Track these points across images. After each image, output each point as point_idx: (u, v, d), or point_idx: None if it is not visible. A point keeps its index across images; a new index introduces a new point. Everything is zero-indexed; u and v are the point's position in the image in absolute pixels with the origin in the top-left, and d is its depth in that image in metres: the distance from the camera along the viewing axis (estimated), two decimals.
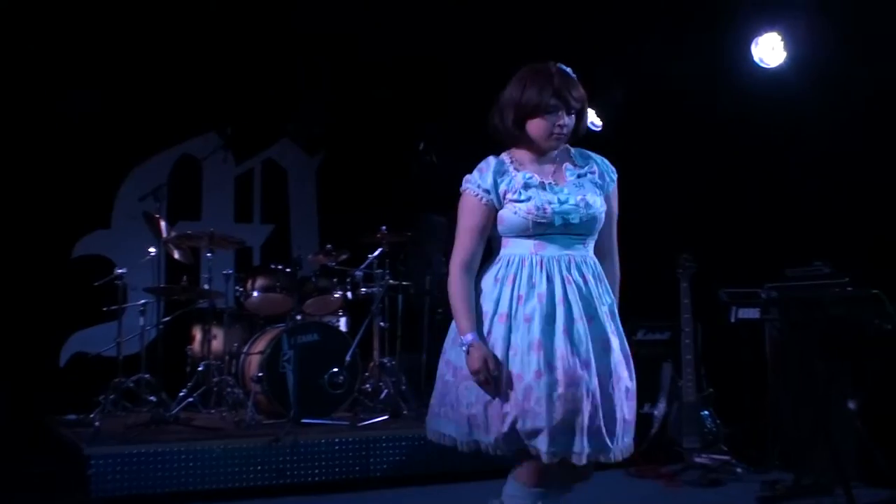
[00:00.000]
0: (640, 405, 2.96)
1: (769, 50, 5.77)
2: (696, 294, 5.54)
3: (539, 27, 6.27)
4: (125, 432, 5.34)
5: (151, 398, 5.93)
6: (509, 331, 2.82)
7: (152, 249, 6.40)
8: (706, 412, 5.55)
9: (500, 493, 2.96)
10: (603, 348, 2.83)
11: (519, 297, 2.83)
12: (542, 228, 2.85)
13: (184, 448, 4.96)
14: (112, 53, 7.13)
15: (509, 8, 6.52)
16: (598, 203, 2.91)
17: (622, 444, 2.86)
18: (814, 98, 5.55)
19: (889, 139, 5.21)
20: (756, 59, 5.81)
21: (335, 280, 6.40)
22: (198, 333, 6.50)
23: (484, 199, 2.90)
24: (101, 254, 7.37)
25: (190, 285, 6.33)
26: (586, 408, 2.75)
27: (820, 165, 5.60)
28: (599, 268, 2.94)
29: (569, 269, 2.85)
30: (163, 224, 6.32)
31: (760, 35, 5.79)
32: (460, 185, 2.98)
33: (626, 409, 2.86)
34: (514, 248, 2.90)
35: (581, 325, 2.80)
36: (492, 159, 2.96)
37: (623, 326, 2.94)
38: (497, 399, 2.80)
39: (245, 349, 6.18)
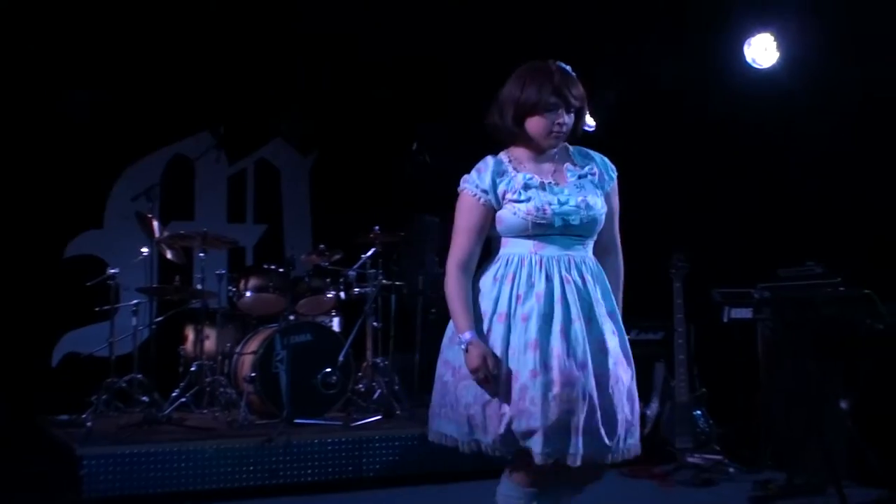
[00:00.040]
0: None
1: (762, 50, 5.79)
2: (689, 294, 5.55)
3: (534, 28, 6.27)
4: (117, 432, 5.32)
5: (144, 398, 5.92)
6: (508, 330, 2.81)
7: (145, 249, 6.39)
8: (699, 412, 5.56)
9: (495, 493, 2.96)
10: (601, 349, 2.82)
11: (518, 297, 2.82)
12: (541, 229, 2.84)
13: (176, 448, 4.95)
14: (104, 53, 7.12)
15: (504, 8, 6.52)
16: (598, 204, 2.90)
17: (625, 444, 2.85)
18: (806, 98, 5.56)
19: (881, 140, 5.22)
20: (749, 59, 5.83)
21: (328, 280, 6.39)
22: (190, 333, 6.49)
23: (482, 200, 2.89)
24: (94, 254, 7.35)
25: (182, 285, 6.32)
26: (582, 408, 2.74)
27: (812, 166, 5.62)
28: (599, 268, 2.93)
29: (568, 270, 2.84)
30: (155, 224, 6.31)
31: (753, 36, 5.81)
32: (457, 184, 2.97)
33: (627, 409, 2.85)
34: (513, 248, 2.89)
35: (578, 326, 2.79)
36: (490, 159, 2.94)
37: None
38: (495, 399, 2.79)
39: (238, 349, 6.17)
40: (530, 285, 2.82)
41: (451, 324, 2.94)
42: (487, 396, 2.80)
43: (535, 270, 2.83)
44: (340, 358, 5.86)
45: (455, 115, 7.28)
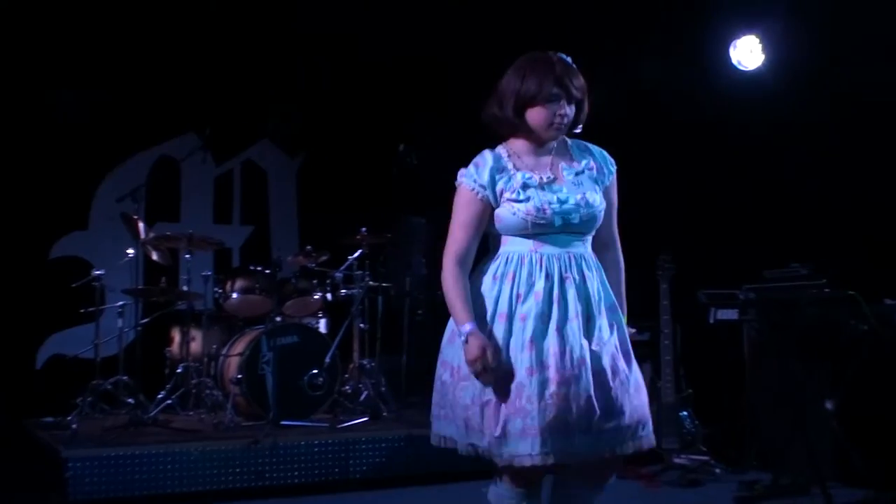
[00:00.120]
0: None
1: (747, 52, 5.82)
2: (676, 295, 5.56)
3: (521, 29, 6.28)
4: (103, 434, 5.31)
5: (129, 400, 5.89)
6: (508, 330, 2.79)
7: (130, 251, 6.36)
8: (685, 413, 5.58)
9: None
10: (599, 345, 2.80)
11: (518, 296, 2.80)
12: (541, 228, 2.82)
13: (162, 450, 4.94)
14: (90, 54, 7.09)
15: (494, 9, 6.53)
16: (597, 201, 2.88)
17: (637, 435, 2.80)
18: (792, 100, 5.58)
19: (866, 141, 5.25)
20: (734, 61, 5.86)
21: (315, 281, 6.39)
22: (176, 335, 6.47)
23: (480, 195, 2.85)
24: (79, 255, 7.32)
25: (168, 287, 6.30)
26: (581, 407, 2.71)
27: (798, 167, 5.65)
28: (598, 264, 2.91)
29: (568, 267, 2.83)
30: (141, 225, 6.29)
31: (739, 38, 5.83)
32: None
33: (635, 400, 2.81)
34: (512, 246, 2.86)
35: (576, 324, 2.78)
36: (488, 154, 2.91)
37: None
38: (493, 400, 2.76)
39: (224, 351, 6.15)
40: (530, 284, 2.80)
41: (450, 323, 2.91)
42: (486, 397, 2.77)
43: (536, 269, 2.81)
44: (327, 359, 5.85)
45: (437, 117, 7.30)
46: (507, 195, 2.84)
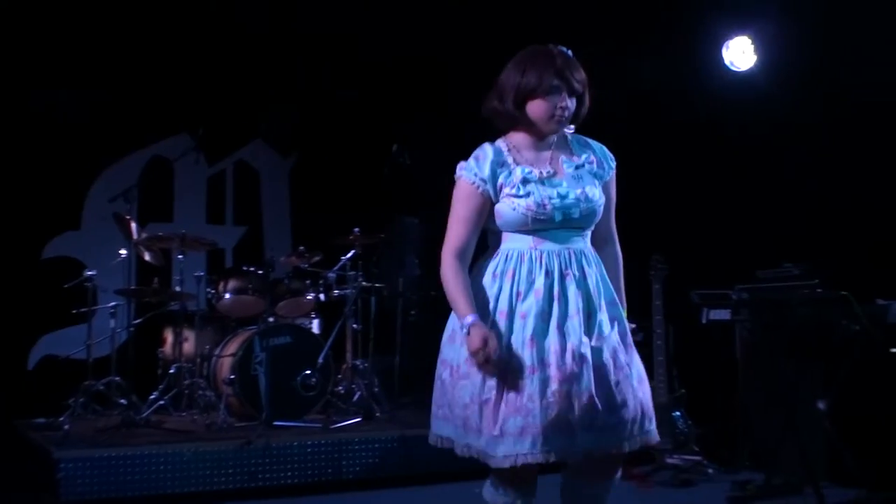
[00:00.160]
0: None
1: (740, 53, 5.83)
2: (668, 295, 5.57)
3: (509, 29, 6.27)
4: (95, 435, 5.30)
5: (122, 401, 5.89)
6: (509, 328, 2.77)
7: (123, 251, 6.35)
8: (678, 413, 5.58)
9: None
10: (600, 340, 2.78)
11: (518, 294, 2.78)
12: (541, 224, 2.80)
13: (154, 451, 4.93)
14: (82, 54, 7.07)
15: (489, 9, 6.53)
16: (596, 195, 2.86)
17: (642, 430, 2.79)
18: (784, 101, 5.60)
19: (858, 141, 5.26)
20: (727, 62, 5.87)
21: (308, 282, 6.38)
22: (169, 336, 6.46)
23: (480, 189, 2.82)
24: (71, 255, 7.30)
25: (161, 287, 6.29)
26: (583, 404, 2.69)
27: (790, 168, 5.66)
28: (598, 259, 2.89)
29: (568, 264, 2.81)
30: (133, 225, 6.27)
31: (731, 38, 5.85)
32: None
33: (640, 394, 2.79)
34: (512, 243, 2.84)
35: (577, 320, 2.76)
36: (488, 147, 2.88)
37: None
38: (493, 399, 2.73)
39: (217, 351, 6.14)
40: (530, 282, 2.78)
41: (450, 322, 2.88)
42: (486, 396, 2.74)
43: (536, 266, 2.79)
44: (320, 360, 5.84)
45: (437, 116, 7.30)
46: (506, 190, 2.81)
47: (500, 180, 2.82)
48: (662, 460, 5.48)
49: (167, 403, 5.88)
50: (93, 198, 7.43)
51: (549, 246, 2.81)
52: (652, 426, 2.82)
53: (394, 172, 6.45)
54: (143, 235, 6.35)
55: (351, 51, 7.39)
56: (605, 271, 2.90)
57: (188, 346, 6.27)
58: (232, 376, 5.77)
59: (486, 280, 2.84)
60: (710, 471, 5.40)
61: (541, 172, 2.83)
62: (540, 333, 2.74)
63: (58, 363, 6.87)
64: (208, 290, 6.39)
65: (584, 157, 2.92)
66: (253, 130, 8.01)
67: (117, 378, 6.03)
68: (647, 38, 6.14)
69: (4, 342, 6.86)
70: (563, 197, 2.80)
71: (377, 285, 6.52)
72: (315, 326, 6.48)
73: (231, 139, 7.93)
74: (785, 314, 4.95)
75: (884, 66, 5.06)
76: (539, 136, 2.88)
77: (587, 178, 2.88)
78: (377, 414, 5.93)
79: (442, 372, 2.88)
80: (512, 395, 2.71)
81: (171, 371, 6.05)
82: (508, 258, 2.83)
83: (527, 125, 2.86)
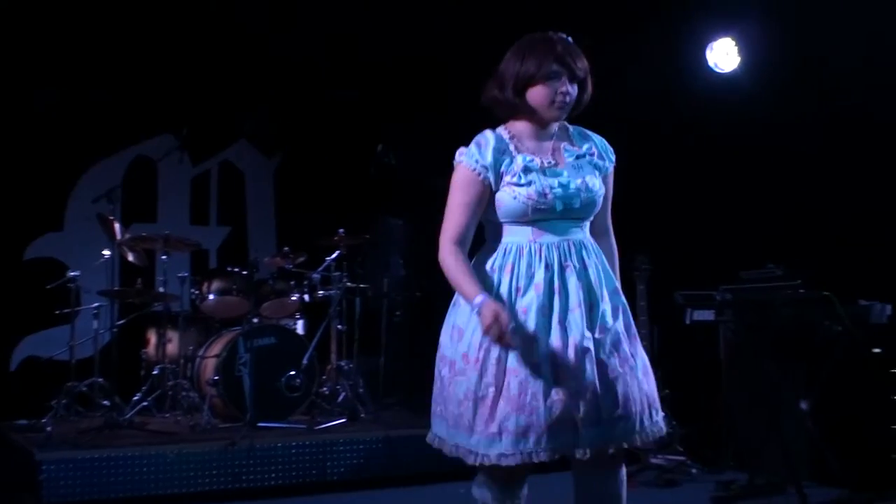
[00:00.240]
0: None
1: (723, 55, 5.85)
2: (652, 296, 5.59)
3: (498, 29, 6.27)
4: (78, 437, 5.26)
5: (105, 402, 5.85)
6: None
7: (106, 252, 6.32)
8: (662, 413, 5.59)
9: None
10: (604, 332, 2.72)
11: (517, 289, 2.72)
12: (541, 214, 2.74)
13: (138, 453, 4.91)
14: (65, 52, 7.04)
15: (475, 10, 6.54)
16: (597, 185, 2.81)
17: (650, 423, 2.74)
18: (768, 102, 5.62)
19: (841, 142, 5.29)
20: (711, 63, 5.90)
21: (292, 283, 6.37)
22: (152, 337, 6.43)
23: (482, 175, 2.75)
24: (54, 256, 7.26)
25: (144, 288, 6.26)
26: (588, 401, 2.64)
27: (774, 169, 5.68)
28: (598, 249, 2.85)
29: (568, 255, 2.75)
30: (117, 226, 6.25)
31: (715, 40, 5.87)
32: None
33: (645, 385, 2.74)
34: (510, 236, 2.78)
35: (578, 314, 2.70)
36: (490, 134, 2.82)
37: None
38: (490, 396, 2.67)
39: (201, 352, 6.12)
40: (529, 276, 2.72)
41: (448, 318, 2.82)
42: (482, 392, 2.68)
43: (535, 260, 2.73)
44: (304, 361, 5.84)
45: (415, 117, 7.30)
46: (507, 178, 2.75)
47: (502, 168, 2.76)
48: (646, 460, 5.49)
49: (150, 405, 5.85)
50: (76, 198, 7.39)
51: (548, 238, 2.76)
52: (659, 417, 2.78)
53: (379, 173, 6.45)
54: (127, 236, 6.33)
55: (338, 51, 7.38)
56: (605, 261, 2.85)
57: (172, 348, 6.24)
58: (216, 377, 5.75)
59: (484, 275, 2.77)
60: (694, 471, 5.42)
61: (542, 162, 2.78)
62: (542, 329, 2.68)
63: (40, 364, 6.82)
64: (192, 290, 6.37)
65: (584, 147, 2.88)
66: (237, 131, 7.98)
67: (100, 379, 6.00)
68: (630, 39, 6.15)
69: None
70: (564, 186, 2.75)
71: (362, 286, 6.51)
72: (299, 327, 6.47)
73: (215, 139, 7.90)
74: (768, 315, 4.97)
75: (867, 68, 5.09)
76: (541, 125, 2.83)
77: (587, 168, 2.83)
78: (362, 415, 5.93)
79: (441, 369, 2.81)
80: (514, 392, 2.65)
81: (155, 372, 6.03)
82: (507, 252, 2.77)
83: (528, 113, 2.80)
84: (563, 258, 2.75)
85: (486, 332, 2.62)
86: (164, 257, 6.19)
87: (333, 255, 6.29)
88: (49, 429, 5.37)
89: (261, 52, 7.50)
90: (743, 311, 5.22)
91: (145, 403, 5.82)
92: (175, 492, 4.91)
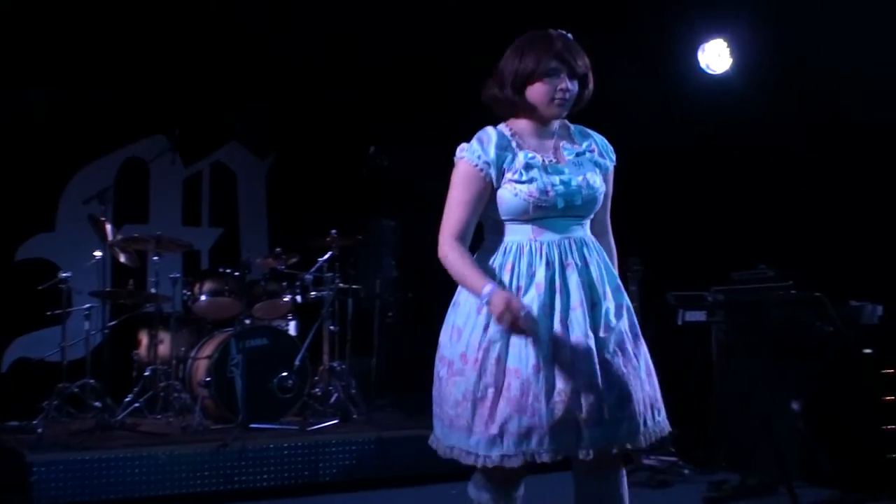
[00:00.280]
0: None
1: (715, 56, 5.87)
2: (644, 297, 5.59)
3: (488, 30, 6.28)
4: (69, 438, 5.25)
5: (96, 404, 5.83)
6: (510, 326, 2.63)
7: (98, 253, 6.30)
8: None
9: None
10: (607, 331, 2.69)
11: (518, 288, 2.69)
12: (542, 212, 2.71)
13: (129, 454, 4.90)
14: (56, 52, 7.01)
15: (465, 12, 6.54)
16: (597, 182, 2.79)
17: (654, 423, 2.74)
18: (759, 103, 5.64)
19: (832, 143, 5.31)
20: (702, 65, 5.91)
21: (284, 284, 6.36)
22: (144, 338, 6.42)
23: (484, 172, 2.72)
24: (45, 257, 7.23)
25: (136, 289, 6.25)
26: (591, 400, 2.62)
27: (766, 170, 5.70)
28: (599, 246, 2.83)
29: (570, 253, 2.73)
30: (108, 227, 6.23)
31: (706, 42, 5.88)
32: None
33: (647, 385, 2.74)
34: (510, 235, 2.75)
35: (580, 312, 2.67)
36: (491, 130, 2.80)
37: None
38: (490, 397, 2.64)
39: (192, 354, 6.11)
40: (530, 275, 2.69)
41: (448, 318, 2.79)
42: (480, 393, 2.65)
43: (536, 259, 2.71)
44: (297, 362, 5.83)
45: (408, 119, 7.29)
46: (508, 175, 2.72)
47: (504, 164, 2.73)
48: (639, 461, 5.50)
49: (142, 406, 5.84)
50: (67, 199, 7.37)
51: (548, 236, 2.73)
52: (661, 416, 2.77)
53: (371, 174, 6.44)
54: (119, 237, 6.31)
55: (333, 52, 7.37)
56: (607, 258, 2.84)
57: (163, 349, 6.23)
58: (208, 378, 5.74)
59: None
60: (686, 471, 5.43)
61: (544, 159, 2.76)
62: (544, 329, 2.64)
63: (32, 366, 6.81)
64: (184, 291, 6.36)
65: (585, 144, 2.86)
66: (229, 132, 7.96)
67: (92, 381, 5.98)
68: (622, 40, 6.16)
69: None
70: (566, 184, 2.73)
71: (354, 287, 6.50)
72: (292, 328, 6.46)
73: (207, 140, 7.88)
74: (760, 315, 4.98)
75: (857, 69, 5.11)
76: (541, 122, 2.81)
77: (588, 165, 2.82)
78: (354, 416, 5.92)
79: (440, 369, 2.78)
80: (515, 393, 2.62)
81: (147, 373, 6.01)
82: (507, 251, 2.75)
83: (528, 111, 2.78)
84: (564, 256, 2.73)
85: (498, 320, 2.58)
86: (155, 258, 6.17)
87: (326, 257, 6.29)
88: (40, 430, 5.35)
89: (251, 54, 7.49)
90: (735, 311, 5.24)
91: (137, 405, 5.81)
92: (167, 493, 4.90)
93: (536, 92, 2.75)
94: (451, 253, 2.73)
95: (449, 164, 2.85)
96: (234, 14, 7.07)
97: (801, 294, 4.88)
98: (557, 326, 2.66)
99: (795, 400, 4.85)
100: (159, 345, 6.15)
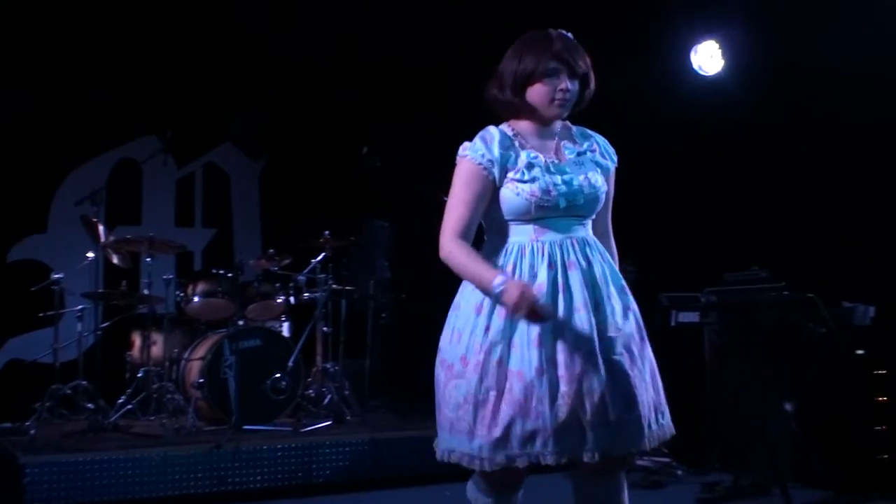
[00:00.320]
0: None
1: (708, 58, 5.89)
2: (638, 298, 5.59)
3: (480, 31, 6.29)
4: (62, 440, 5.24)
5: (89, 405, 5.82)
6: (512, 328, 2.62)
7: (90, 254, 6.29)
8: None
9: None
10: (611, 332, 2.67)
11: None
12: (544, 212, 2.69)
13: (122, 456, 4.89)
14: (48, 53, 7.00)
15: (457, 13, 6.54)
16: (599, 182, 2.78)
17: (657, 426, 2.72)
18: (751, 105, 5.65)
19: (824, 145, 5.32)
20: (695, 66, 5.92)
21: (278, 285, 6.36)
22: (137, 339, 6.40)
23: (487, 170, 2.69)
24: (38, 259, 7.22)
25: (129, 290, 6.24)
26: (595, 402, 2.58)
27: (758, 171, 5.71)
28: (601, 246, 2.80)
29: (572, 253, 2.70)
30: (101, 228, 6.22)
31: (699, 43, 5.90)
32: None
33: (651, 388, 2.71)
34: (512, 235, 2.72)
35: (584, 314, 2.64)
36: (494, 129, 2.78)
37: None
38: (491, 399, 2.60)
39: (186, 355, 6.11)
40: (532, 276, 2.65)
41: (448, 321, 2.76)
42: (482, 395, 2.61)
43: (538, 259, 2.67)
44: (290, 363, 5.82)
45: (402, 119, 7.29)
46: (510, 175, 2.70)
47: (507, 164, 2.71)
48: (632, 462, 5.50)
49: (135, 408, 5.83)
50: (59, 200, 7.35)
51: (550, 236, 2.70)
52: (666, 419, 2.74)
53: (364, 175, 6.44)
54: (111, 238, 6.30)
55: (329, 54, 7.37)
56: (610, 258, 2.82)
57: (156, 350, 6.22)
58: (201, 380, 5.74)
59: None
60: (680, 472, 5.44)
61: (546, 159, 2.75)
62: (546, 331, 2.60)
63: (24, 367, 6.79)
64: (177, 293, 6.35)
65: (586, 144, 2.85)
66: (222, 133, 7.96)
67: (84, 382, 5.97)
68: (614, 42, 6.16)
69: None
70: (568, 183, 2.71)
71: (347, 288, 6.51)
72: (285, 329, 6.46)
73: (200, 141, 7.88)
74: (752, 316, 4.99)
75: (849, 71, 5.12)
76: (542, 123, 2.80)
77: (589, 164, 2.80)
78: (347, 417, 5.92)
79: (439, 373, 2.75)
80: (518, 396, 2.58)
81: (139, 375, 6.00)
82: (508, 252, 2.72)
83: (528, 112, 2.77)
84: (566, 256, 2.70)
85: (514, 310, 2.54)
86: (148, 259, 6.17)
87: (319, 258, 6.28)
88: (33, 432, 5.35)
89: (245, 56, 7.49)
90: (727, 312, 5.24)
91: (130, 406, 5.80)
92: (160, 495, 4.89)
93: (536, 93, 2.74)
94: (455, 250, 2.69)
95: (445, 166, 2.84)
96: (234, 14, 7.06)
97: (794, 295, 4.89)
98: (560, 327, 2.63)
99: (788, 401, 4.85)
100: (152, 346, 6.15)
